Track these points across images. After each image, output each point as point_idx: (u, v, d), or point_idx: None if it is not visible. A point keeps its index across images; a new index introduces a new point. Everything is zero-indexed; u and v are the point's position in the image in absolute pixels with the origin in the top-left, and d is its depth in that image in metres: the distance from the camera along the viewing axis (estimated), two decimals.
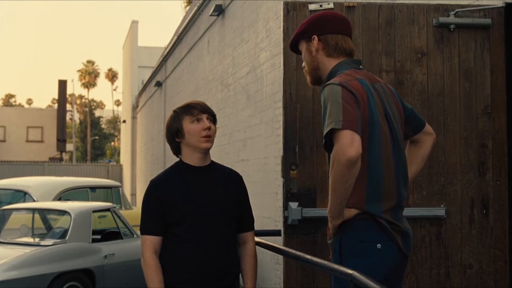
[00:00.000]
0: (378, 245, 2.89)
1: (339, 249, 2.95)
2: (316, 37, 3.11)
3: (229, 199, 3.32)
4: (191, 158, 3.32)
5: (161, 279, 3.19)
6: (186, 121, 3.28)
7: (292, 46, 3.28)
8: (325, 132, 2.84)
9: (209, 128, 3.27)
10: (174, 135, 3.31)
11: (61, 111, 46.87)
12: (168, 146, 3.45)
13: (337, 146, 2.76)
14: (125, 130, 39.26)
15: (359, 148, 2.73)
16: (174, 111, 3.36)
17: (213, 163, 3.40)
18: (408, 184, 3.11)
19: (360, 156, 2.74)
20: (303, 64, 3.22)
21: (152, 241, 3.23)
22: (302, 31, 3.17)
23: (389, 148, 2.95)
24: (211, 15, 12.55)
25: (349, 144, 2.72)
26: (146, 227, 3.27)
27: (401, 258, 2.97)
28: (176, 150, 3.37)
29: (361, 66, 3.16)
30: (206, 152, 3.32)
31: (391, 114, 3.01)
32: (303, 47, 3.19)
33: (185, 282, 3.21)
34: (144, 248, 3.23)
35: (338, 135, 2.77)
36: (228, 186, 3.35)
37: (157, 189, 3.29)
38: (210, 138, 3.29)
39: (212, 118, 3.34)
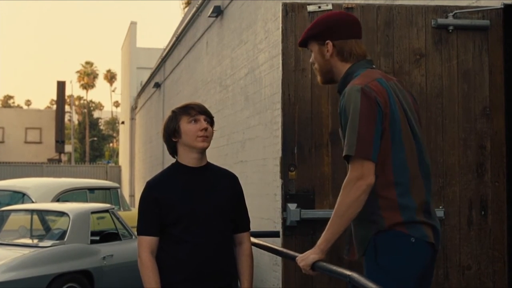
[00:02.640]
0: (412, 239, 2.94)
1: (374, 246, 2.96)
2: (330, 43, 3.13)
3: (225, 199, 3.33)
4: (187, 158, 3.33)
5: (157, 279, 3.20)
6: (184, 121, 3.30)
7: (302, 43, 3.30)
8: (343, 153, 2.95)
9: (206, 129, 3.29)
10: (171, 134, 3.33)
11: (60, 112, 46.85)
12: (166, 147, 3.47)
13: (353, 175, 2.90)
14: (123, 131, 39.27)
15: (372, 176, 2.88)
16: (172, 111, 3.37)
17: (209, 164, 3.41)
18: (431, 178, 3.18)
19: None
20: (312, 59, 3.25)
21: (148, 242, 3.24)
22: (315, 33, 3.18)
23: (412, 145, 3.02)
24: (209, 16, 12.55)
25: (370, 172, 2.88)
26: (143, 228, 3.28)
27: (433, 253, 3.04)
28: (173, 150, 3.39)
29: (373, 66, 3.21)
30: (202, 152, 3.33)
31: (408, 110, 3.07)
32: (314, 48, 3.20)
33: (182, 282, 3.22)
34: (140, 249, 3.24)
35: (352, 162, 2.92)
36: (224, 187, 3.36)
37: (153, 190, 3.30)
38: (207, 138, 3.30)
39: (210, 120, 3.35)
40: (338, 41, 3.12)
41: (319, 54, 3.18)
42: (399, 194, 2.95)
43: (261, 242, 3.77)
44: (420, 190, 3.02)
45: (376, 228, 2.95)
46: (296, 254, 3.37)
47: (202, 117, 3.31)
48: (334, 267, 2.90)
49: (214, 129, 3.39)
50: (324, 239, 2.96)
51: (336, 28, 3.14)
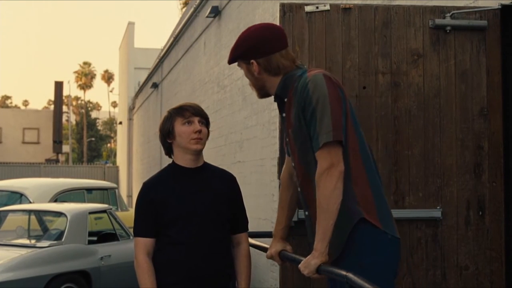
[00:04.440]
0: (389, 235, 2.95)
1: (357, 244, 2.92)
2: (254, 62, 3.08)
3: (222, 200, 3.32)
4: (183, 159, 3.32)
5: (153, 281, 3.19)
6: (178, 123, 3.28)
7: (230, 62, 3.24)
8: (320, 143, 2.86)
9: (199, 131, 3.26)
10: (165, 135, 3.32)
11: (57, 113, 46.81)
12: None
13: (324, 165, 2.84)
14: (121, 132, 39.24)
15: (342, 163, 2.85)
16: (168, 112, 3.37)
17: (206, 164, 3.39)
18: None
19: None
20: (245, 75, 3.22)
21: (145, 243, 3.23)
22: (239, 55, 3.14)
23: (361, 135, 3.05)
24: (207, 16, 12.56)
25: (339, 159, 2.84)
26: (139, 229, 3.27)
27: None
28: (168, 151, 3.39)
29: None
30: (197, 153, 3.32)
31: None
32: (242, 66, 3.17)
33: (177, 283, 3.22)
34: (137, 250, 3.24)
35: (321, 151, 2.86)
36: (221, 187, 3.35)
37: (150, 191, 3.29)
38: (201, 140, 3.28)
39: (205, 121, 3.33)
40: (262, 59, 3.07)
41: (249, 73, 3.15)
42: (371, 182, 2.97)
43: (258, 243, 3.76)
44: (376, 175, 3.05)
45: (355, 219, 2.91)
46: (293, 255, 3.37)
47: (196, 119, 3.29)
48: (331, 268, 2.90)
49: (211, 129, 3.38)
50: (317, 240, 2.89)
51: (257, 46, 3.07)
